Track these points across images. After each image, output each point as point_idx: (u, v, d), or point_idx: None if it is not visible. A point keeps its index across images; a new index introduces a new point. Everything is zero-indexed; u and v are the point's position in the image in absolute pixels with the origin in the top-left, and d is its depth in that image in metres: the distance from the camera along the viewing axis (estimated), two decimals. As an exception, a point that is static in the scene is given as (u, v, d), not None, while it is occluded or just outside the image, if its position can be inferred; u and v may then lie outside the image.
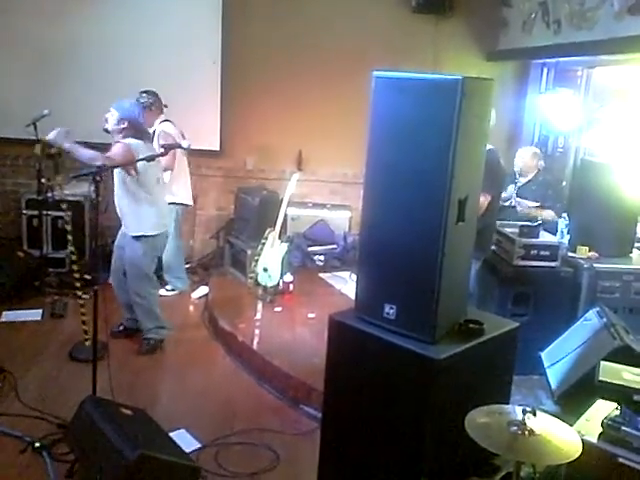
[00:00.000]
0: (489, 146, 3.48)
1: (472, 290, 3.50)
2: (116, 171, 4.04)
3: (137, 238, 4.16)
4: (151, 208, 4.18)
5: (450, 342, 2.42)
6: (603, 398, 2.63)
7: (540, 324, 3.88)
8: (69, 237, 4.18)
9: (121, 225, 4.29)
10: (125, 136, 4.05)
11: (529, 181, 5.03)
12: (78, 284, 4.09)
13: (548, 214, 4.80)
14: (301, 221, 6.05)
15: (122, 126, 4.07)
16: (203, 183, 6.26)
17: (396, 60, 5.37)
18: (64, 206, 4.74)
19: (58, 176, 4.45)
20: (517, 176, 5.07)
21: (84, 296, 4.99)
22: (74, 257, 4.18)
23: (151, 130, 4.85)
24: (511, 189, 4.88)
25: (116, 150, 3.95)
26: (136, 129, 4.13)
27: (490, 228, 3.99)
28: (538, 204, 4.83)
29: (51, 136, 3.81)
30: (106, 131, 4.11)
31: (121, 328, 4.51)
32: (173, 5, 5.94)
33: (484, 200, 3.57)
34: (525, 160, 5.03)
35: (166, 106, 5.14)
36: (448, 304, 2.42)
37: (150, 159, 3.97)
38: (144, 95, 4.91)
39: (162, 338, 4.41)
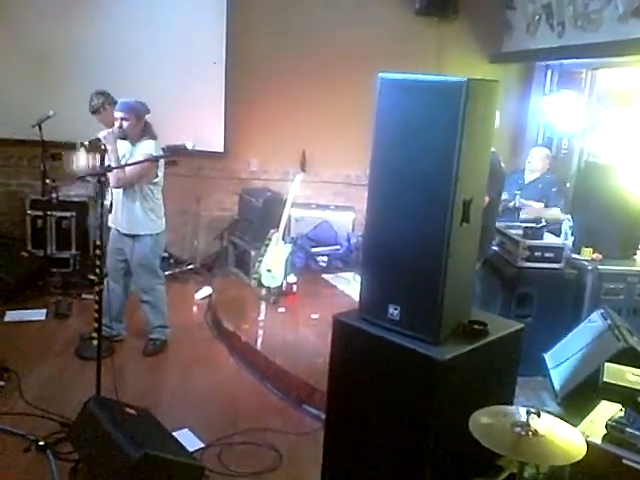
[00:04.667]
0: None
1: (476, 290, 3.50)
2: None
3: (146, 236, 4.16)
4: (160, 208, 4.23)
5: (454, 343, 2.42)
6: (607, 399, 2.63)
7: (544, 325, 3.88)
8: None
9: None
10: (144, 137, 4.06)
11: (536, 179, 5.07)
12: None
13: (554, 212, 4.82)
14: (305, 222, 6.05)
15: (140, 127, 4.08)
16: (207, 184, 6.26)
17: (399, 62, 5.35)
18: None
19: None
20: (525, 173, 5.10)
21: (86, 296, 5.04)
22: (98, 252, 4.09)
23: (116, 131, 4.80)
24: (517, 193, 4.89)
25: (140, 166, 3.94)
26: (150, 127, 4.13)
27: (490, 229, 3.99)
28: (542, 205, 4.84)
29: (102, 134, 3.90)
30: (123, 138, 4.02)
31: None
32: (176, 6, 5.95)
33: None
34: (539, 159, 5.10)
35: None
36: (452, 305, 2.42)
37: (154, 160, 3.98)
38: (94, 97, 4.72)
39: (166, 339, 4.42)
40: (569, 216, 4.68)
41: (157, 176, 4.12)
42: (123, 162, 3.95)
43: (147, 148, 4.03)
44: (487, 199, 3.69)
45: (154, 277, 4.33)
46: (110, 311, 4.11)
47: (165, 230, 4.33)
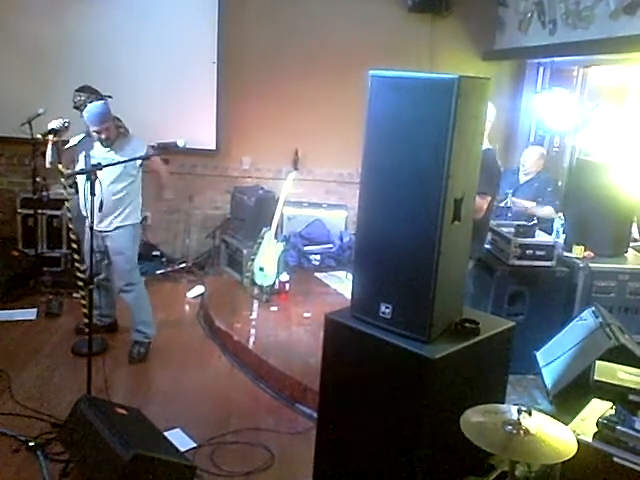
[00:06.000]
0: (487, 145, 3.48)
1: (467, 289, 3.50)
2: (124, 166, 3.98)
3: (131, 227, 4.16)
4: (140, 197, 4.24)
5: (446, 341, 2.42)
6: (598, 397, 2.63)
7: (535, 324, 3.89)
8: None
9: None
10: (122, 134, 4.05)
11: (532, 178, 5.07)
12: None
13: (547, 210, 4.82)
14: (297, 220, 6.04)
15: (118, 128, 4.05)
16: (199, 182, 6.25)
17: (392, 59, 5.38)
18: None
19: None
20: (519, 174, 5.10)
21: (77, 295, 5.01)
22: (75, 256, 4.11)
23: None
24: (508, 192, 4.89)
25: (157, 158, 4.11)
26: (119, 120, 4.12)
27: (484, 225, 3.99)
28: (535, 203, 4.85)
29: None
30: (109, 146, 3.99)
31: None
32: (170, 5, 5.92)
33: (483, 202, 3.55)
34: (533, 161, 5.07)
35: (110, 97, 4.79)
36: (444, 303, 2.42)
37: (145, 158, 3.96)
38: (76, 94, 4.63)
39: (150, 340, 4.32)
40: (561, 214, 4.69)
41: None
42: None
43: (142, 148, 4.02)
44: (488, 199, 3.67)
45: (136, 270, 4.28)
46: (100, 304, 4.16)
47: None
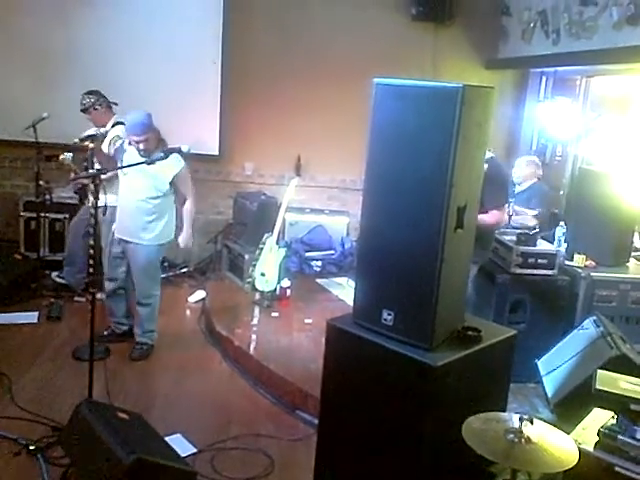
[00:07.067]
0: (489, 154, 3.50)
1: (469, 296, 3.51)
2: (154, 180, 4.01)
3: (156, 247, 4.19)
4: (173, 217, 4.26)
5: (447, 349, 2.42)
6: (600, 407, 2.63)
7: (537, 332, 3.89)
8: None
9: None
10: (162, 145, 4.02)
11: (525, 189, 5.08)
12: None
13: (524, 218, 4.82)
14: (299, 226, 6.05)
15: (159, 140, 4.04)
16: (201, 187, 6.22)
17: (395, 67, 5.39)
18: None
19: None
20: (515, 186, 5.12)
21: (78, 299, 5.03)
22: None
23: (103, 130, 4.69)
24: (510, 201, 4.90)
25: (189, 182, 4.16)
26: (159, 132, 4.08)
27: (490, 231, 4.00)
28: (536, 213, 4.86)
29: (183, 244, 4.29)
30: (146, 156, 3.89)
31: (109, 332, 4.49)
32: (173, 9, 5.95)
33: (503, 213, 3.63)
34: (521, 169, 5.09)
35: (116, 104, 4.90)
36: (446, 311, 2.42)
37: (150, 162, 3.96)
38: (86, 96, 4.74)
39: (153, 343, 4.40)
40: (562, 223, 4.70)
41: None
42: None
43: (177, 163, 4.00)
44: (507, 209, 3.71)
45: (157, 284, 4.38)
46: (115, 312, 4.30)
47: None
